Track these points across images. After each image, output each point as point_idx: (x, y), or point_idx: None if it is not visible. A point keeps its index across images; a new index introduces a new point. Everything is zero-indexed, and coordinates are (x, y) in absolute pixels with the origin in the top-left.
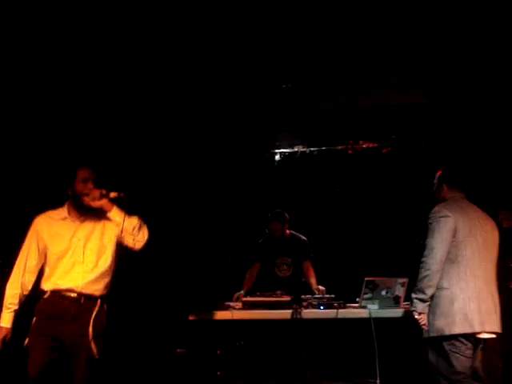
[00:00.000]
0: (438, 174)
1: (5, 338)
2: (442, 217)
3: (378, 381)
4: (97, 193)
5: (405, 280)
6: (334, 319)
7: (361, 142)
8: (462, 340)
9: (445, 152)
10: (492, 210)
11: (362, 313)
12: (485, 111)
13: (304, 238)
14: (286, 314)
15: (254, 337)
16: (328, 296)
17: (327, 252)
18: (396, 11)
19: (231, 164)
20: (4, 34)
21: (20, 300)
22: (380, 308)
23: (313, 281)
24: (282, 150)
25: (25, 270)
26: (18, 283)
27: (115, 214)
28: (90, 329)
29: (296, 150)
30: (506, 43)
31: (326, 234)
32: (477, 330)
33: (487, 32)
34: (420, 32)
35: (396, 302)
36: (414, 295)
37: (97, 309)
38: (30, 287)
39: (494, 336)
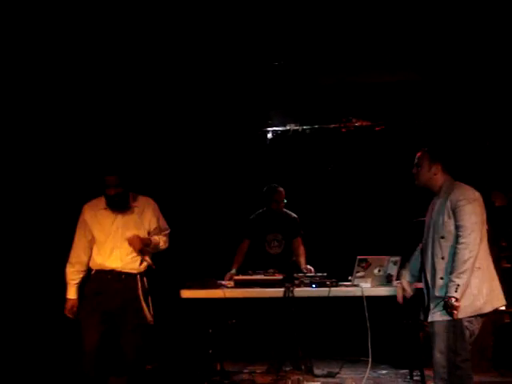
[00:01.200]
0: (422, 154)
1: (72, 307)
2: (476, 199)
3: (369, 359)
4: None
5: (397, 258)
6: (327, 297)
7: (354, 120)
8: (479, 317)
9: (436, 130)
10: (484, 189)
11: (354, 291)
12: (479, 90)
13: (295, 215)
14: (278, 292)
15: (246, 315)
16: (320, 274)
17: (319, 230)
18: None
19: (224, 142)
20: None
21: (79, 276)
22: (372, 286)
23: (302, 259)
24: (274, 128)
25: (79, 250)
26: (77, 263)
27: (145, 210)
28: (140, 297)
29: (288, 128)
30: (498, 21)
31: (318, 212)
32: (502, 303)
33: (480, 9)
34: (414, 9)
35: (389, 280)
36: (457, 279)
37: (138, 282)
38: (85, 265)
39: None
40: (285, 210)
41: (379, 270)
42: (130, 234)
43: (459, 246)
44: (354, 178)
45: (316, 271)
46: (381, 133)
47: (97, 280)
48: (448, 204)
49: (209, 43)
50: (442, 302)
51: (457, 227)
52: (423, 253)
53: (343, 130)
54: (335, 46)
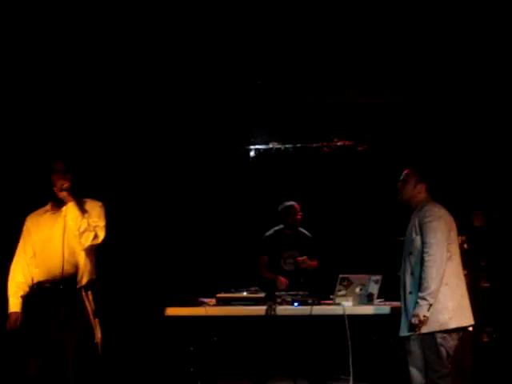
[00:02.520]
0: (411, 171)
1: (16, 321)
2: (441, 216)
3: (351, 377)
4: (59, 184)
5: (378, 277)
6: (308, 316)
7: (336, 140)
8: (453, 334)
9: (418, 151)
10: (464, 209)
11: (335, 309)
12: (459, 110)
13: (310, 234)
14: (260, 310)
15: (227, 333)
16: (302, 293)
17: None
18: (372, 12)
19: (206, 160)
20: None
21: (25, 289)
22: (354, 305)
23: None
24: (256, 147)
25: (24, 262)
26: (20, 274)
27: (68, 209)
28: (71, 323)
29: (271, 146)
30: (478, 41)
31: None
32: (470, 323)
33: (461, 29)
34: (396, 32)
35: (370, 299)
36: (428, 297)
37: (77, 303)
38: (30, 278)
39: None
40: (301, 229)
41: (360, 289)
42: (69, 235)
43: (426, 264)
44: (336, 198)
45: (299, 289)
46: (363, 152)
47: (34, 298)
48: (416, 221)
49: (192, 61)
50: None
51: (423, 244)
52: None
53: (326, 149)
54: (318, 67)
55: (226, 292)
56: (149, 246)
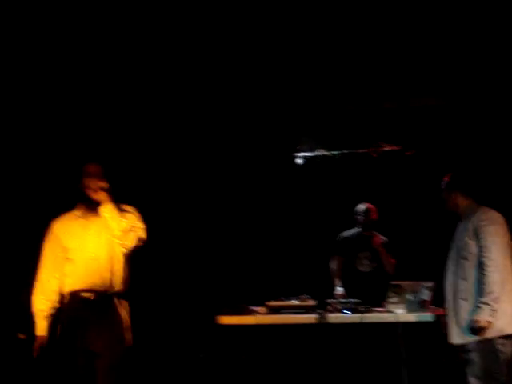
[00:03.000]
0: (450, 178)
1: (41, 346)
2: (497, 219)
3: None
4: (95, 185)
5: (431, 284)
6: (359, 324)
7: (383, 145)
8: (510, 340)
9: (466, 155)
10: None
11: (387, 317)
12: (509, 113)
13: (385, 237)
14: (310, 318)
15: (278, 342)
16: (354, 300)
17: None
18: (415, 16)
19: (252, 168)
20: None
21: (50, 306)
22: (406, 312)
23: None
24: (303, 154)
25: (49, 274)
26: (45, 289)
27: (105, 210)
28: (105, 333)
29: (318, 153)
30: None
31: None
32: None
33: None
34: (443, 34)
35: (422, 305)
36: (491, 302)
37: (115, 310)
38: (57, 292)
39: None
40: (376, 232)
41: (413, 296)
42: (103, 240)
43: (488, 269)
44: (384, 203)
45: (348, 297)
46: (411, 157)
47: (68, 307)
48: (470, 226)
49: (240, 69)
50: (468, 323)
51: (480, 248)
52: (444, 276)
53: (373, 154)
54: (364, 72)
55: (276, 300)
56: (198, 255)
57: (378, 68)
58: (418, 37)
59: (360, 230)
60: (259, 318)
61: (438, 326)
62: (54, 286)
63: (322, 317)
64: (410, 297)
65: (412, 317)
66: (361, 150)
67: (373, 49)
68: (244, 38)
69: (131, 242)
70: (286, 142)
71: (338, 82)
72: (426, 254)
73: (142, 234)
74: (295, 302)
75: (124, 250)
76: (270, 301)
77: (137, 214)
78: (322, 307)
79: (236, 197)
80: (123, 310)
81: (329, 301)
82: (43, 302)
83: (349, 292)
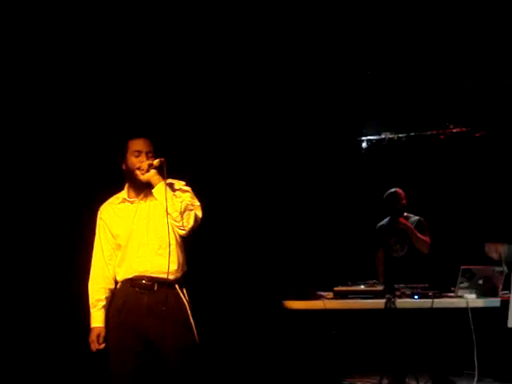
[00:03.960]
0: None
1: (98, 337)
2: None
3: (476, 372)
4: (145, 164)
5: (502, 269)
6: (429, 309)
7: (451, 126)
8: None
9: None
10: None
11: (458, 302)
12: None
13: (418, 217)
14: (378, 303)
15: (346, 327)
16: (422, 285)
17: None
18: None
19: (318, 152)
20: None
21: (107, 295)
22: (477, 297)
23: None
24: (369, 138)
25: (103, 262)
26: (101, 277)
27: (157, 191)
28: (169, 320)
29: (383, 136)
30: None
31: None
32: None
33: None
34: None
35: (494, 291)
36: None
37: (171, 298)
38: (113, 280)
39: None
40: (407, 214)
41: (484, 281)
42: (155, 224)
43: None
44: (453, 187)
45: (417, 283)
46: (481, 139)
47: (121, 295)
48: None
49: (306, 53)
50: None
51: None
52: None
53: (441, 136)
54: (429, 51)
55: (343, 285)
56: (265, 239)
57: (444, 46)
58: (485, 14)
59: (390, 217)
60: (327, 302)
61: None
62: (110, 272)
63: (391, 302)
64: (481, 282)
65: (483, 302)
66: (428, 132)
67: (441, 28)
68: (309, 20)
69: (189, 222)
70: (350, 126)
71: (404, 63)
72: (498, 237)
73: (199, 212)
74: (363, 287)
75: (182, 233)
76: (337, 286)
77: (189, 188)
78: (389, 292)
79: (301, 181)
80: (183, 299)
81: (396, 286)
82: (101, 291)
83: (387, 279)
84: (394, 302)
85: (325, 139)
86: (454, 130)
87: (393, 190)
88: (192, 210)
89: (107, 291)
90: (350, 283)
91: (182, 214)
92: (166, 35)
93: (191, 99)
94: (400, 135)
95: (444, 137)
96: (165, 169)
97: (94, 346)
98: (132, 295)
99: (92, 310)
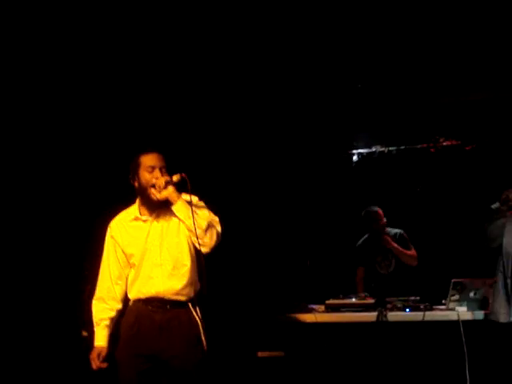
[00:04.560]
0: None
1: (98, 357)
2: None
3: None
4: (162, 181)
5: (493, 281)
6: (420, 322)
7: (441, 140)
8: None
9: None
10: None
11: (449, 315)
12: None
13: (399, 230)
14: (370, 316)
15: (337, 340)
16: (413, 298)
17: None
18: (474, 7)
19: (308, 165)
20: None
21: (111, 315)
22: (468, 310)
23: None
24: (359, 151)
25: (110, 282)
26: (106, 298)
27: (179, 208)
28: (180, 338)
29: (374, 150)
30: None
31: (408, 235)
32: None
33: None
34: (504, 24)
35: (484, 303)
36: None
37: (184, 317)
38: (119, 299)
39: None
40: (388, 228)
41: (475, 294)
42: (168, 244)
43: None
44: (444, 200)
45: (408, 295)
46: (471, 152)
47: (134, 313)
48: None
49: (295, 66)
50: None
51: None
52: None
53: (432, 150)
54: (419, 66)
55: (334, 298)
56: (258, 253)
57: (436, 61)
58: (476, 28)
59: (371, 234)
60: (318, 316)
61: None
62: (117, 293)
63: (382, 315)
64: (472, 294)
65: (474, 315)
66: (418, 146)
67: (430, 42)
68: (299, 33)
69: (213, 239)
70: (341, 139)
71: (394, 76)
72: (489, 250)
73: (219, 227)
74: (354, 300)
75: (206, 250)
76: (328, 299)
77: (203, 203)
78: (381, 305)
79: (292, 194)
80: (195, 318)
81: (388, 299)
82: (105, 311)
83: (375, 296)
84: (385, 315)
85: (315, 152)
86: (445, 144)
87: (372, 209)
88: (214, 226)
89: (112, 311)
90: (341, 296)
91: (205, 231)
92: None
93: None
94: (390, 148)
95: (434, 150)
96: (189, 184)
97: (95, 364)
98: (144, 313)
99: (96, 329)
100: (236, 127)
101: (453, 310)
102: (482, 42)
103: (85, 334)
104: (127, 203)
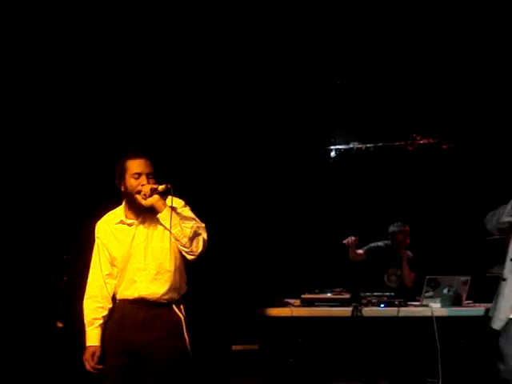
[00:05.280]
0: None
1: (93, 356)
2: None
3: (440, 381)
4: (147, 188)
5: (467, 278)
6: (394, 317)
7: (418, 138)
8: None
9: (505, 148)
10: None
11: (423, 311)
12: None
13: (411, 254)
14: (345, 311)
15: (313, 334)
16: (388, 294)
17: None
18: (451, 8)
19: (286, 161)
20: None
21: (103, 314)
22: (442, 306)
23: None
24: (337, 147)
25: (102, 281)
26: (98, 297)
27: (164, 217)
28: (161, 334)
29: (352, 146)
30: None
31: (381, 233)
32: None
33: None
34: (480, 25)
35: (458, 300)
36: None
37: (167, 314)
38: (111, 297)
39: None
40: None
41: (448, 290)
42: (153, 249)
43: None
44: (420, 198)
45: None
46: (448, 151)
47: (119, 309)
48: None
49: (274, 62)
50: None
51: None
52: None
53: (410, 148)
54: (398, 64)
55: (310, 293)
56: (233, 248)
57: (414, 60)
58: (457, 27)
59: (391, 245)
60: (294, 310)
61: (475, 321)
62: (109, 291)
63: (357, 310)
64: (445, 291)
65: (448, 311)
66: (396, 143)
67: (409, 40)
68: (278, 30)
69: (199, 247)
70: (319, 135)
71: (373, 74)
72: (462, 248)
73: (205, 234)
74: (329, 295)
75: (191, 258)
76: (304, 293)
77: (189, 208)
78: (356, 300)
79: (269, 189)
80: (179, 315)
81: (363, 294)
82: (98, 310)
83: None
84: (360, 311)
85: (293, 148)
86: (422, 142)
87: (399, 227)
88: (200, 234)
89: (105, 310)
90: (317, 291)
91: (191, 239)
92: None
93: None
94: (368, 145)
95: (412, 148)
96: (172, 196)
97: (89, 365)
98: (129, 310)
99: (88, 329)
100: (213, 122)
101: (427, 306)
102: (461, 42)
103: (60, 325)
104: (115, 202)
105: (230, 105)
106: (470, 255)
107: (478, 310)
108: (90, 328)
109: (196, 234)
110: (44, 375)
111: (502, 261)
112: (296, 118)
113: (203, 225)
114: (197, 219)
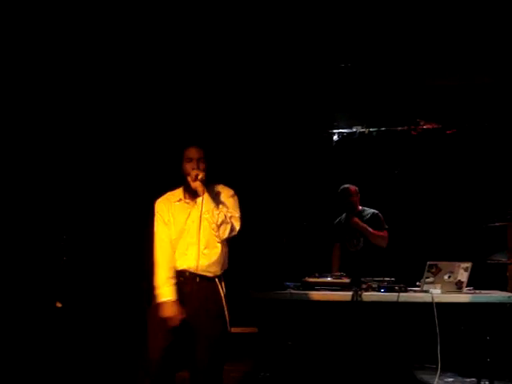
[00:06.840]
0: None
1: (173, 311)
2: None
3: (438, 366)
4: (194, 173)
5: (468, 265)
6: (394, 303)
7: (422, 123)
8: None
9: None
10: None
11: (424, 297)
12: None
13: (374, 210)
14: (345, 295)
15: (312, 318)
16: (388, 279)
17: None
18: None
19: (289, 144)
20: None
21: (175, 275)
22: (442, 292)
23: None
24: (340, 131)
25: (169, 247)
26: (168, 263)
27: (201, 201)
28: (205, 308)
29: (355, 130)
30: None
31: (384, 217)
32: None
33: None
34: (486, 10)
35: (459, 286)
36: None
37: (216, 287)
38: (174, 267)
39: None
40: (364, 208)
41: (449, 276)
42: (205, 227)
43: None
44: (423, 183)
45: (384, 276)
46: (452, 136)
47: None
48: None
49: (277, 46)
50: None
51: None
52: None
53: (413, 132)
54: (403, 48)
55: (310, 276)
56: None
57: (418, 44)
58: (457, 12)
59: (346, 212)
60: (293, 293)
61: (475, 308)
62: (173, 261)
63: (357, 294)
64: (446, 277)
65: (448, 297)
66: (399, 128)
67: (415, 23)
68: (279, 14)
69: (224, 234)
70: (322, 118)
71: (377, 57)
72: (464, 234)
73: (237, 224)
74: (330, 279)
75: (218, 240)
76: (304, 277)
77: (234, 200)
78: (356, 285)
79: (271, 172)
80: (220, 292)
81: (363, 279)
82: (171, 270)
83: (346, 272)
84: (360, 295)
85: (296, 131)
86: (425, 127)
87: (345, 186)
88: (228, 223)
89: (174, 272)
90: (317, 274)
91: (218, 226)
92: None
93: None
94: (371, 129)
95: (416, 133)
96: (223, 185)
97: (174, 319)
98: (177, 283)
99: (164, 287)
100: (216, 107)
101: (427, 291)
102: (463, 27)
103: (59, 304)
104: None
105: (234, 89)
106: (472, 241)
107: (478, 296)
108: (165, 286)
109: (225, 222)
110: (43, 354)
111: (502, 248)
112: (299, 101)
113: (237, 215)
114: (235, 209)
